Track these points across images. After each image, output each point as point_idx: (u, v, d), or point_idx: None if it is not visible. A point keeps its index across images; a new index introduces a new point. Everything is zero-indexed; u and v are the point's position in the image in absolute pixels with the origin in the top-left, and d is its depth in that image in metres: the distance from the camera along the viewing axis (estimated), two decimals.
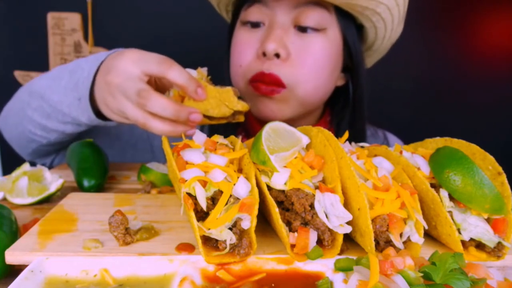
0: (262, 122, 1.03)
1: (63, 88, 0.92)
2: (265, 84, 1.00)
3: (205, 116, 0.78)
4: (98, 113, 0.89)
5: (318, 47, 1.01)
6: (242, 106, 0.77)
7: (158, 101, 0.73)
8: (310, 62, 1.00)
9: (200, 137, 0.69)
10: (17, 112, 1.06)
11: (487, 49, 2.63)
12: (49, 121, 0.98)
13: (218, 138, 0.72)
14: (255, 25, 1.03)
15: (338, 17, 1.03)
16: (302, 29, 1.00)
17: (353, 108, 1.16)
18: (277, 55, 0.98)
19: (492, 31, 2.60)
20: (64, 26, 2.50)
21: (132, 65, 0.76)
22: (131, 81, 0.75)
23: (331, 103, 1.21)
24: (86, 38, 2.53)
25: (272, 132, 0.66)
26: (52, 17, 2.48)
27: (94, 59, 0.89)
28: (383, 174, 0.62)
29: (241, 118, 0.81)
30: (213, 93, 0.77)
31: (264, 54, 0.98)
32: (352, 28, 1.06)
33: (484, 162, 0.63)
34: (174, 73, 0.74)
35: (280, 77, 0.99)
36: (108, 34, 2.53)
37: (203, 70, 0.83)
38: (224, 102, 0.77)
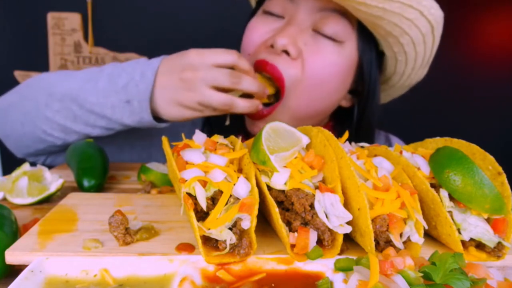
0: (261, 122, 1.03)
1: (102, 90, 0.94)
2: (263, 106, 0.98)
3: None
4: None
5: (330, 58, 0.97)
6: (270, 91, 0.98)
7: (247, 79, 0.89)
8: (316, 68, 0.96)
9: (200, 137, 0.69)
10: (27, 110, 1.04)
11: (487, 49, 2.63)
12: (74, 123, 0.98)
13: (218, 138, 0.72)
14: (275, 17, 1.01)
15: (359, 35, 0.98)
16: (320, 35, 0.97)
17: (359, 130, 1.11)
18: (286, 52, 0.95)
19: (492, 32, 2.60)
20: (64, 26, 2.50)
21: (205, 58, 0.86)
22: (214, 70, 0.86)
23: (335, 121, 1.17)
24: (86, 38, 2.53)
25: (272, 132, 0.66)
26: (52, 17, 2.49)
27: (138, 64, 0.94)
28: (383, 174, 0.62)
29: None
30: (258, 77, 0.96)
31: (272, 46, 0.96)
32: (371, 52, 1.02)
33: (484, 162, 0.63)
34: (243, 61, 0.90)
35: (283, 74, 0.96)
36: (108, 34, 2.53)
37: None
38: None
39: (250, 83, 0.89)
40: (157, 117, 0.96)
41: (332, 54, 0.97)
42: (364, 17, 0.91)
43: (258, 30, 1.02)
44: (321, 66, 0.97)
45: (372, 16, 0.88)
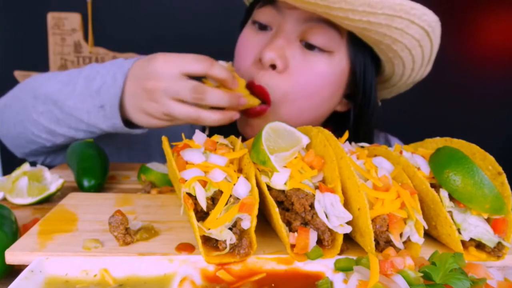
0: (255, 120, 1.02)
1: (79, 94, 0.91)
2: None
3: None
4: (124, 120, 0.91)
5: (319, 70, 0.94)
6: (253, 102, 0.92)
7: (214, 92, 0.81)
8: (303, 81, 0.93)
9: (200, 137, 0.69)
10: (17, 111, 1.04)
11: (487, 49, 2.63)
12: (58, 126, 0.97)
13: (218, 138, 0.72)
14: (263, 27, 0.98)
15: (349, 43, 0.95)
16: (308, 46, 0.93)
17: (357, 133, 1.07)
18: (273, 66, 0.92)
19: (492, 31, 2.60)
20: (64, 26, 2.50)
21: (172, 67, 0.80)
22: (178, 81, 0.80)
23: (332, 124, 1.14)
24: (86, 38, 2.53)
25: (272, 132, 0.66)
26: (52, 17, 2.49)
27: (113, 66, 0.90)
28: (383, 174, 0.62)
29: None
30: (242, 83, 0.90)
31: (260, 61, 0.93)
32: (364, 58, 0.98)
33: (484, 162, 0.63)
34: (217, 70, 0.82)
35: (268, 90, 0.93)
36: (108, 34, 2.53)
37: (231, 63, 0.94)
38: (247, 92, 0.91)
39: (217, 97, 0.82)
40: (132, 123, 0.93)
41: (321, 65, 0.94)
42: (351, 28, 0.88)
43: (247, 45, 1.00)
44: (310, 78, 0.94)
45: (357, 28, 0.86)
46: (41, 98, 0.97)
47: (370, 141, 1.12)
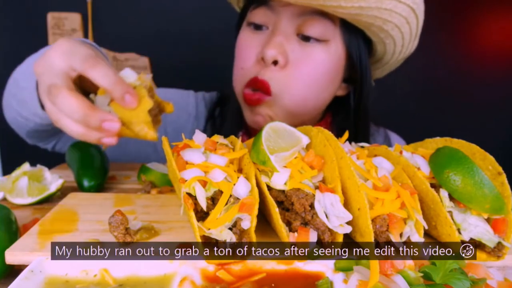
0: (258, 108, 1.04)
1: (29, 73, 0.86)
2: (252, 91, 1.00)
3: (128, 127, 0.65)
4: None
5: (318, 59, 1.00)
6: (151, 136, 0.65)
7: (66, 100, 0.62)
8: (305, 72, 0.99)
9: (200, 137, 0.69)
10: (7, 94, 1.02)
11: (487, 49, 2.63)
12: (22, 108, 0.92)
13: (218, 138, 0.72)
14: (259, 27, 1.03)
15: (343, 30, 1.01)
16: (305, 38, 0.99)
17: (356, 117, 1.14)
18: (275, 62, 0.97)
19: (492, 31, 2.60)
20: (64, 26, 2.50)
21: (59, 57, 0.66)
22: (49, 74, 0.66)
23: (333, 110, 1.20)
24: (86, 38, 2.53)
25: (272, 132, 0.66)
26: (52, 17, 2.49)
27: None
28: (383, 174, 0.62)
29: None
30: (145, 106, 0.63)
31: (263, 59, 0.98)
32: (358, 41, 1.04)
33: (484, 162, 0.63)
34: (98, 73, 0.63)
35: (270, 83, 0.98)
36: (108, 34, 2.53)
37: (147, 77, 0.69)
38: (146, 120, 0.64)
39: (68, 106, 0.62)
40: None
41: (319, 54, 1.00)
42: (344, 16, 0.94)
43: (247, 46, 1.04)
44: (310, 68, 0.99)
45: (350, 14, 0.92)
46: (11, 79, 0.98)
47: (368, 125, 1.20)
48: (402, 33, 1.01)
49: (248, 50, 1.03)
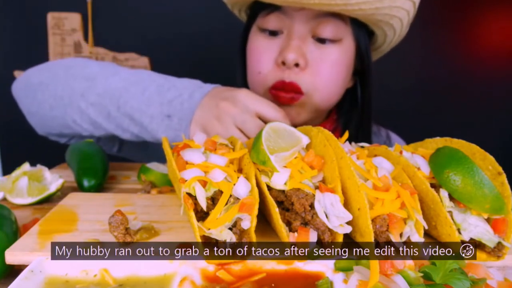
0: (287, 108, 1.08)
1: (147, 98, 0.93)
2: (285, 92, 1.03)
3: None
4: None
5: (334, 57, 1.04)
6: None
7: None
8: (326, 71, 1.03)
9: (200, 137, 0.69)
10: (60, 96, 1.02)
11: (487, 48, 2.63)
12: (106, 121, 0.98)
13: (218, 138, 0.72)
14: (273, 33, 1.05)
15: (353, 27, 1.05)
16: (320, 40, 1.02)
17: (362, 108, 1.19)
18: (296, 65, 1.00)
19: (492, 31, 2.60)
20: (64, 26, 2.50)
21: (251, 102, 0.88)
22: (248, 114, 0.88)
23: (337, 104, 1.22)
24: (86, 38, 2.53)
25: (272, 132, 0.66)
26: (52, 17, 2.49)
27: (191, 84, 0.96)
28: (383, 174, 0.62)
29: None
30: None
31: (283, 63, 1.01)
32: (365, 36, 1.09)
33: (484, 162, 0.63)
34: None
35: (300, 85, 1.02)
36: (108, 34, 2.53)
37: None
38: None
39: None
40: None
41: (335, 54, 1.04)
42: (359, 17, 0.99)
43: (264, 51, 1.06)
44: (328, 68, 1.04)
45: (365, 14, 0.96)
46: (97, 89, 0.97)
47: (370, 124, 1.23)
48: (402, 25, 1.06)
49: (265, 55, 1.05)
